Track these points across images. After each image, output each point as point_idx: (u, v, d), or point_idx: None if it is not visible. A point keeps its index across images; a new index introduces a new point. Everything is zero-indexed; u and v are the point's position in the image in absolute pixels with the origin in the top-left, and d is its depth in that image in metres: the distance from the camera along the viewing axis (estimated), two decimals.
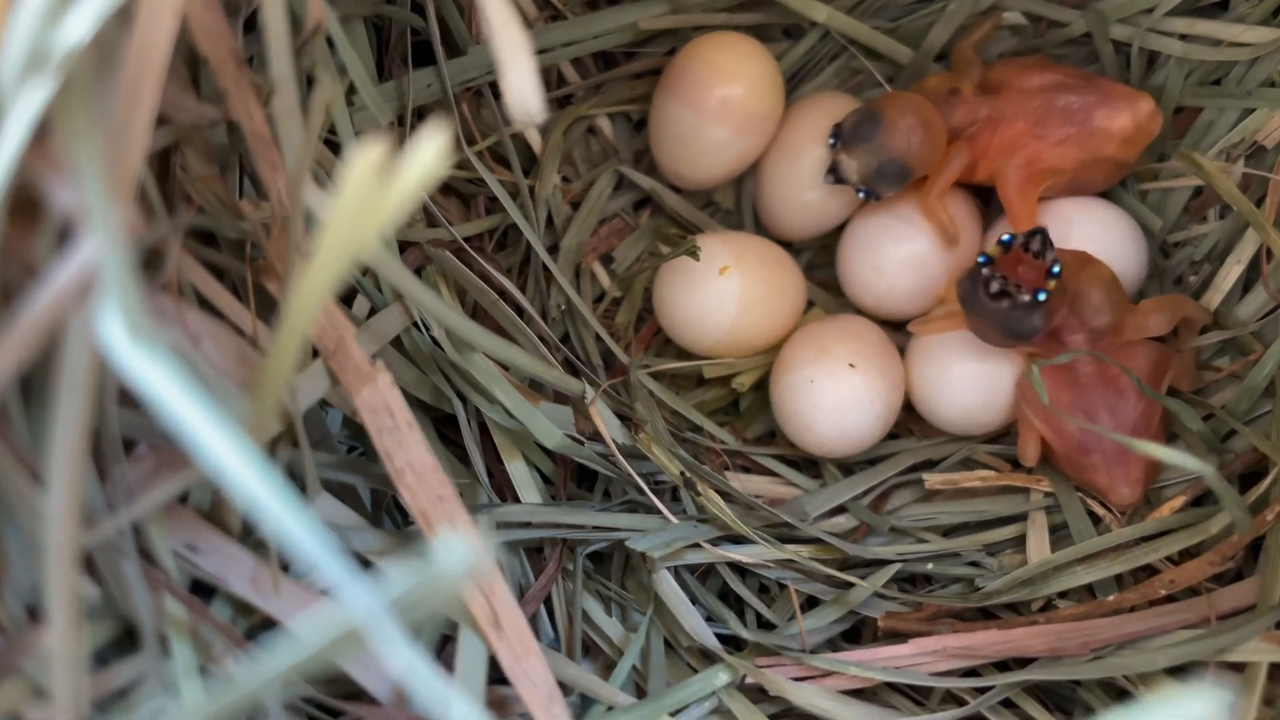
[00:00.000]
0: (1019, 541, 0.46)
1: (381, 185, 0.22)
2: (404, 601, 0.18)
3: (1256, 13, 0.47)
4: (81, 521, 0.27)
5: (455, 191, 0.49)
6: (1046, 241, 0.42)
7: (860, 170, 0.47)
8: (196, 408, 0.19)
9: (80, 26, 0.21)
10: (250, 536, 0.34)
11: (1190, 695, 0.17)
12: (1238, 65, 0.48)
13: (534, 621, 0.41)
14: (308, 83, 0.36)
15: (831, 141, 0.47)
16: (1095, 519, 0.46)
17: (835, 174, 0.47)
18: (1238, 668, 0.39)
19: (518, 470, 0.43)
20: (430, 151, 0.21)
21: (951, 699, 0.41)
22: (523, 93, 0.24)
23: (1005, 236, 0.43)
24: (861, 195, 0.48)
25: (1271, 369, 0.44)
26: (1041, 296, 0.42)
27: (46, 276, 0.22)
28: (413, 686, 0.18)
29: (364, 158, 0.21)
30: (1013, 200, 0.48)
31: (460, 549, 0.18)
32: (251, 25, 0.37)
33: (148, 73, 0.23)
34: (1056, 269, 0.42)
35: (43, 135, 0.22)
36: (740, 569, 0.44)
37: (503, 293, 0.44)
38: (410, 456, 0.35)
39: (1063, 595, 0.44)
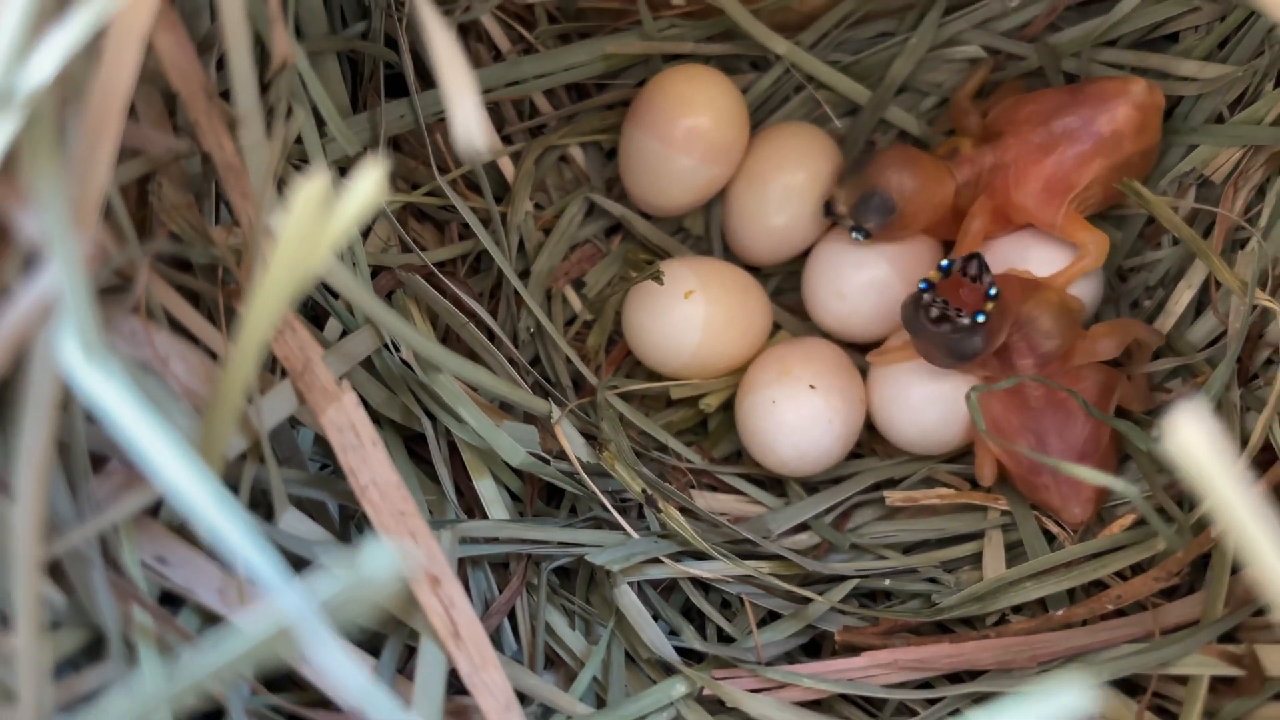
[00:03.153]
0: (976, 559, 0.48)
1: (323, 215, 0.23)
2: (334, 602, 0.20)
3: (1203, 45, 0.49)
4: (49, 532, 0.28)
5: (429, 218, 0.50)
6: (983, 265, 0.44)
7: (847, 200, 0.48)
8: (144, 421, 0.21)
9: (46, 65, 0.23)
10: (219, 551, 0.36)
11: (1058, 691, 0.18)
12: (1184, 100, 0.50)
13: (498, 634, 0.42)
14: (286, 112, 0.37)
15: (826, 212, 0.49)
16: (1050, 537, 0.47)
17: (829, 209, 0.49)
18: (1181, 681, 0.41)
19: (485, 488, 0.44)
20: (367, 185, 0.23)
21: (904, 710, 0.42)
22: (468, 127, 0.25)
23: (944, 262, 0.44)
24: (854, 235, 0.49)
25: (1218, 391, 0.45)
26: (980, 318, 0.43)
27: (12, 299, 0.23)
28: (335, 682, 0.19)
29: (307, 189, 0.23)
30: (1061, 228, 0.48)
31: (387, 554, 0.20)
32: (225, 63, 0.39)
33: (111, 108, 0.25)
34: (993, 291, 0.43)
35: (9, 166, 0.24)
36: (702, 584, 0.45)
37: (473, 316, 0.45)
38: (374, 473, 0.37)
39: (1016, 610, 0.45)
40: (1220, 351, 0.47)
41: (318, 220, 0.23)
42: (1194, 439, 0.19)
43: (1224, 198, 0.48)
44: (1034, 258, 0.49)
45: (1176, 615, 0.42)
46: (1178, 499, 0.45)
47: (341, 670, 0.19)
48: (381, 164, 0.22)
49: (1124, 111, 0.47)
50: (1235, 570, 0.41)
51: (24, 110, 0.23)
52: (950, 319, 0.43)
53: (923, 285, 0.44)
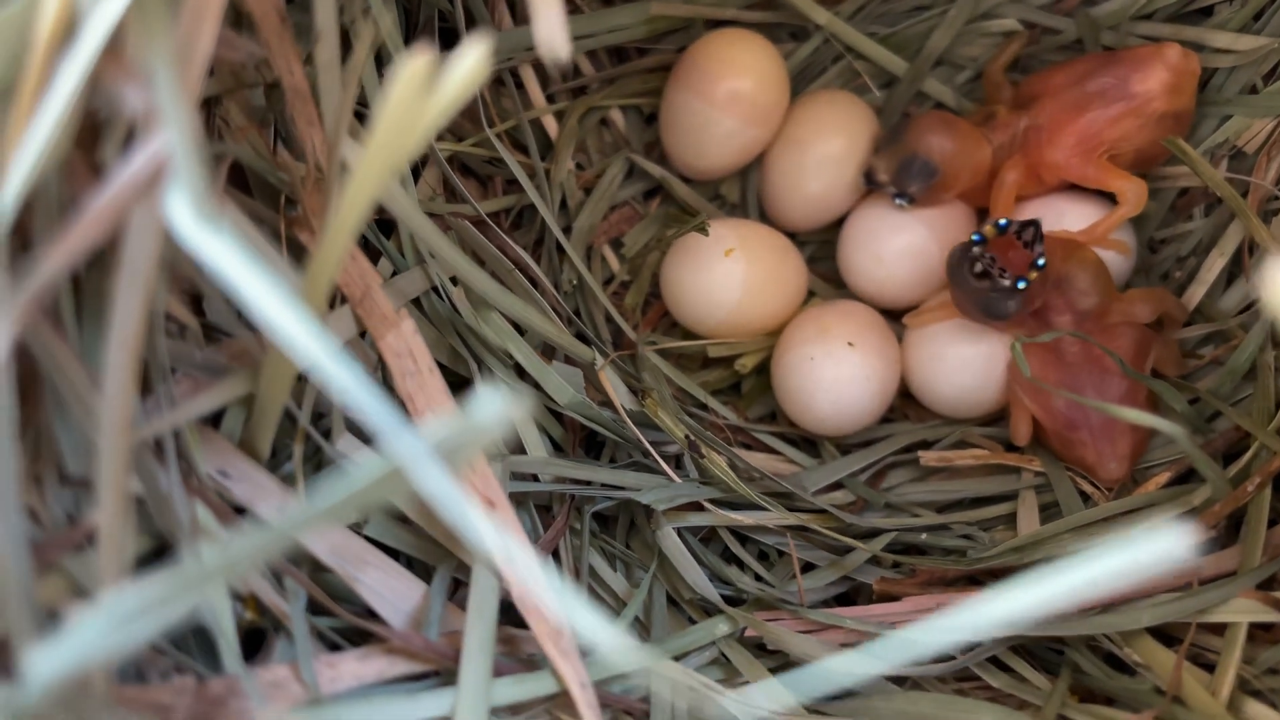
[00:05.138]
0: (1010, 519, 0.48)
1: (424, 95, 0.24)
2: (446, 445, 0.20)
3: (1237, 18, 0.50)
4: (131, 420, 0.28)
5: (474, 173, 0.51)
6: (1038, 234, 0.45)
7: (888, 168, 0.49)
8: (258, 279, 0.21)
9: None
10: (278, 468, 0.36)
11: (1155, 538, 0.19)
12: (1219, 71, 0.51)
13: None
14: (344, 45, 0.38)
15: (867, 181, 0.50)
16: (1085, 497, 0.48)
17: (869, 178, 0.50)
18: (1219, 631, 0.41)
19: (529, 434, 0.44)
20: (471, 60, 0.23)
21: (943, 656, 0.42)
22: (552, 33, 0.26)
23: (1002, 220, 0.45)
24: (897, 201, 0.50)
25: (1252, 352, 0.46)
26: (1022, 284, 0.44)
27: (113, 174, 0.24)
28: (449, 513, 0.20)
29: (409, 66, 0.23)
30: (1095, 179, 0.49)
31: (496, 400, 0.20)
32: None
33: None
34: (1041, 262, 0.44)
35: (115, 46, 0.25)
36: (740, 535, 0.46)
37: (519, 264, 0.46)
38: (430, 399, 0.37)
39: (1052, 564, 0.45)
40: (1253, 316, 0.48)
41: (418, 98, 0.24)
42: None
43: (1257, 167, 0.49)
44: (1069, 221, 0.49)
45: (1213, 567, 0.42)
46: (1213, 457, 0.45)
47: (454, 508, 0.20)
48: (482, 43, 0.23)
49: (1157, 72, 0.48)
50: (1272, 523, 0.42)
51: None
52: (991, 277, 0.44)
53: (975, 238, 0.45)
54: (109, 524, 0.26)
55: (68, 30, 0.24)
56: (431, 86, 0.24)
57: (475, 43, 0.23)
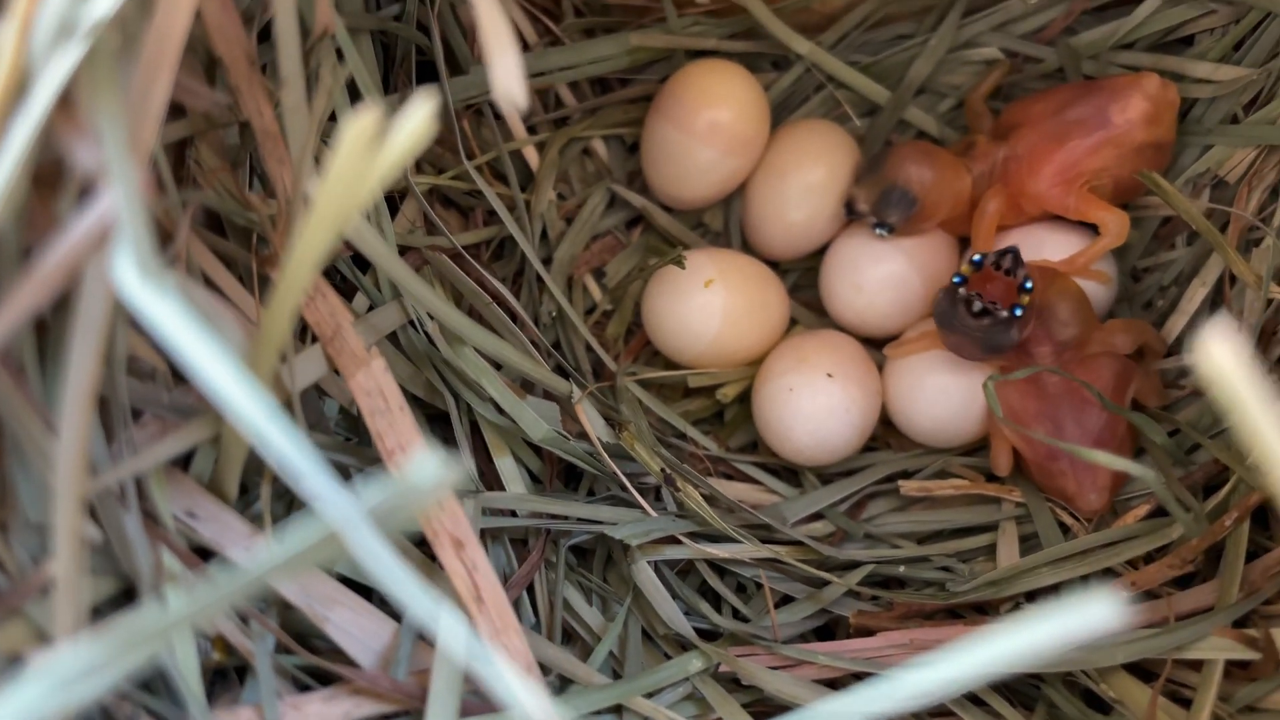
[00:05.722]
0: (990, 550, 0.48)
1: (372, 150, 0.24)
2: (381, 509, 0.20)
3: (1218, 48, 0.50)
4: (88, 467, 0.28)
5: (454, 204, 0.51)
6: (1018, 259, 0.44)
7: (868, 198, 0.49)
8: (199, 339, 0.21)
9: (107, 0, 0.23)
10: (248, 507, 0.36)
11: (1084, 601, 0.19)
12: (1200, 101, 0.51)
13: (516, 607, 0.43)
14: (316, 83, 0.38)
15: (848, 212, 0.50)
16: (1064, 528, 0.47)
17: (850, 208, 0.50)
18: (1196, 667, 0.41)
19: (506, 466, 0.44)
20: (418, 117, 0.23)
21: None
22: (509, 80, 0.26)
23: (976, 256, 0.45)
24: (877, 231, 0.50)
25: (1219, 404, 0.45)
26: (1018, 312, 0.44)
27: (69, 224, 0.24)
28: (384, 584, 0.20)
29: (357, 123, 0.24)
30: (1076, 210, 0.49)
31: (431, 465, 0.20)
32: (264, 37, 0.40)
33: (166, 49, 0.26)
34: (1029, 284, 0.44)
35: (66, 101, 0.25)
36: (718, 567, 0.46)
37: (497, 298, 0.46)
38: (401, 438, 0.37)
39: (1030, 597, 0.45)
40: None
41: (366, 154, 0.24)
42: (1223, 356, 0.19)
43: (1238, 197, 0.49)
44: (1049, 250, 0.49)
45: (1190, 602, 0.42)
46: (1191, 489, 0.45)
47: (387, 573, 0.20)
48: (429, 100, 0.23)
49: (1136, 102, 0.48)
50: (1250, 557, 0.42)
51: (86, 41, 0.23)
52: (991, 313, 0.44)
53: (957, 279, 0.45)
54: (65, 572, 0.26)
55: (20, 85, 0.24)
56: (381, 139, 0.24)
57: (422, 99, 0.23)
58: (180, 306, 0.22)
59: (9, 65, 0.24)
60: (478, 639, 0.36)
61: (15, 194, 0.24)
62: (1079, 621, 0.19)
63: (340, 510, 0.20)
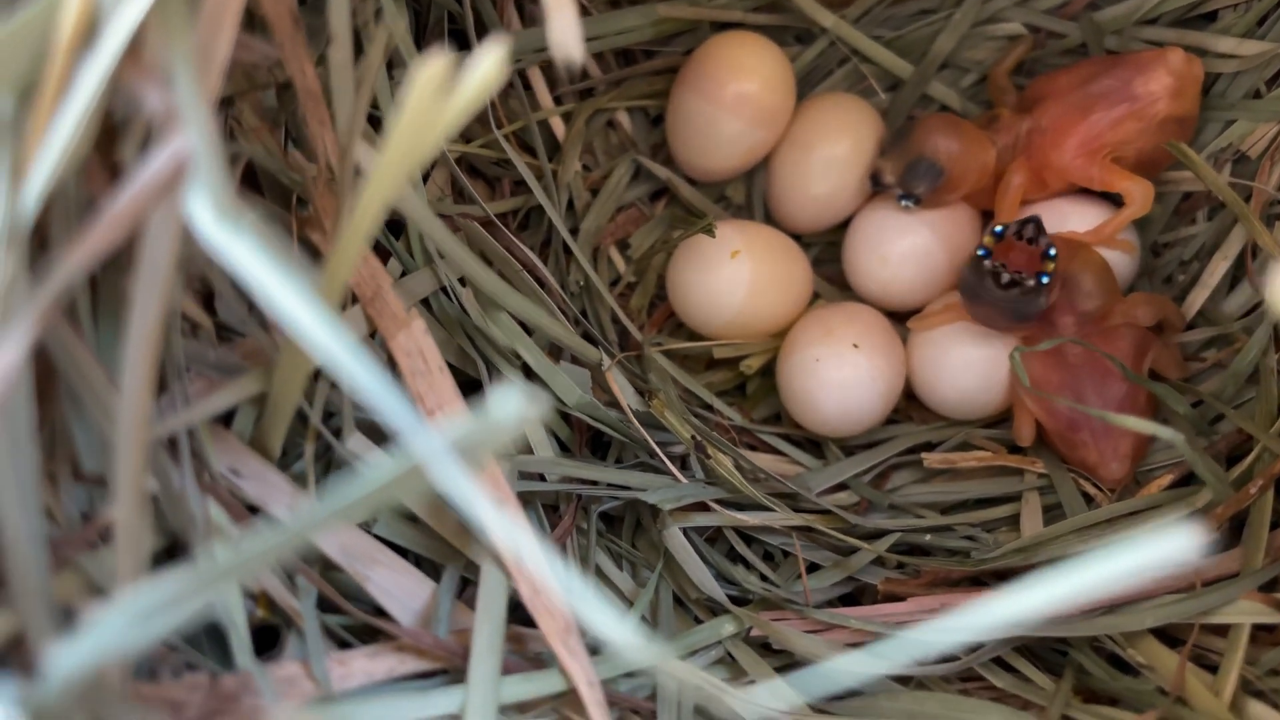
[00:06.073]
0: (1013, 520, 0.48)
1: (442, 96, 0.24)
2: (463, 443, 0.20)
3: (1241, 23, 0.50)
4: (148, 418, 0.29)
5: (481, 174, 0.51)
6: (1040, 228, 0.45)
7: (894, 170, 0.50)
8: (277, 276, 0.22)
9: None
10: (290, 466, 0.36)
11: (1163, 538, 0.19)
12: (1223, 76, 0.51)
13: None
14: (356, 48, 0.38)
15: (874, 184, 0.50)
16: (1087, 499, 0.48)
17: (876, 180, 0.50)
18: (1221, 632, 0.41)
19: (536, 434, 0.45)
20: (489, 63, 0.23)
21: (946, 657, 0.43)
22: (566, 35, 0.26)
23: (998, 228, 0.46)
24: (902, 203, 0.50)
25: (1255, 356, 0.46)
26: (1045, 279, 0.44)
27: (133, 174, 0.24)
28: (466, 511, 0.20)
29: (427, 69, 0.24)
30: (1100, 180, 0.49)
31: (514, 398, 0.20)
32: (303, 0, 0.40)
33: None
34: (1052, 251, 0.44)
35: (134, 49, 0.25)
36: (745, 536, 0.46)
37: (527, 265, 0.46)
38: (440, 398, 0.38)
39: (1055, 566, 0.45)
40: (1255, 320, 0.48)
41: (436, 100, 0.24)
42: None
43: (1260, 172, 0.49)
44: (1072, 223, 0.50)
45: (1216, 568, 0.42)
46: (1215, 459, 0.45)
47: (473, 503, 0.20)
48: (500, 46, 0.23)
49: (1160, 75, 0.48)
50: (1274, 525, 0.42)
51: None
52: (1019, 282, 0.44)
53: (981, 252, 0.45)
54: (126, 521, 0.26)
55: (88, 32, 0.24)
56: (448, 89, 0.24)
57: (492, 46, 0.23)
58: (256, 245, 0.22)
59: (78, 10, 0.24)
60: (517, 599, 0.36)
61: (83, 142, 0.24)
62: (1154, 558, 0.19)
63: (425, 443, 0.20)
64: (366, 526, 0.37)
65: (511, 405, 0.20)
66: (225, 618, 0.30)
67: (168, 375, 0.30)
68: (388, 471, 0.20)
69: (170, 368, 0.30)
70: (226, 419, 0.35)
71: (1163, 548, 0.20)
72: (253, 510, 0.34)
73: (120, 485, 0.26)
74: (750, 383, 0.53)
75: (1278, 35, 0.49)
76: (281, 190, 0.38)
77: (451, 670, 0.35)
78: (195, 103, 0.23)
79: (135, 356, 0.25)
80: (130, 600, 0.23)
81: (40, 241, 0.27)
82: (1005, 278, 0.45)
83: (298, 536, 0.21)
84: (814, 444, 0.52)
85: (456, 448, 0.20)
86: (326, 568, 0.36)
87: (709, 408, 0.51)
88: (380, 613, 0.36)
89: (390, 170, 0.25)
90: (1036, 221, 0.45)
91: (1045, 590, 0.20)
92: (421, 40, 0.47)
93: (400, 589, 0.37)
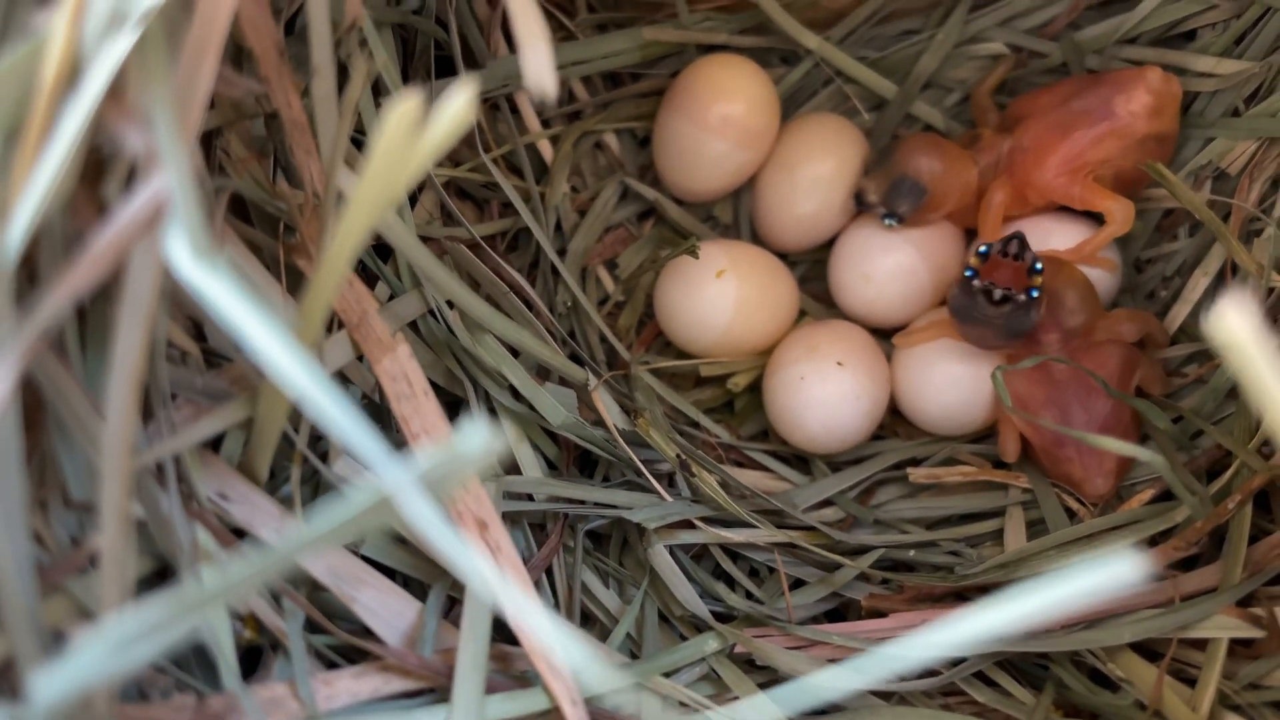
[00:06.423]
0: (997, 535, 0.49)
1: (413, 135, 0.25)
2: (429, 477, 0.21)
3: (1220, 42, 0.51)
4: (132, 445, 0.29)
5: (470, 196, 0.52)
6: (1024, 244, 0.45)
7: (878, 189, 0.50)
8: (251, 313, 0.22)
9: None
10: (276, 490, 0.37)
11: (1105, 564, 0.20)
12: (1202, 95, 0.52)
13: (536, 590, 0.43)
14: (342, 76, 0.39)
15: (857, 203, 0.51)
16: (1070, 514, 0.48)
17: (859, 199, 0.51)
18: (1200, 646, 0.42)
19: (523, 453, 0.45)
20: (459, 102, 0.24)
21: (928, 672, 0.43)
22: (539, 68, 0.27)
23: (982, 247, 0.46)
24: (886, 221, 0.51)
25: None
26: (1035, 295, 0.45)
27: (115, 211, 0.25)
28: (436, 546, 0.21)
29: (399, 109, 0.24)
30: (1082, 199, 0.50)
31: (479, 433, 0.21)
32: (290, 29, 0.41)
33: (210, 37, 0.27)
34: (1039, 266, 0.45)
35: (115, 89, 0.26)
36: (730, 552, 0.47)
37: (514, 288, 0.47)
38: (426, 422, 0.38)
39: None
40: None
41: (408, 139, 0.25)
42: (1238, 326, 0.20)
43: (1239, 189, 0.50)
44: (1055, 241, 0.50)
45: (1195, 583, 0.43)
46: (1195, 474, 0.46)
47: (438, 535, 0.21)
48: (470, 86, 0.24)
49: (1139, 94, 0.49)
50: (1251, 540, 0.42)
51: (137, 29, 0.24)
52: (1011, 298, 0.45)
53: (969, 272, 0.45)
54: (111, 547, 0.27)
55: (71, 74, 0.25)
56: (421, 125, 0.25)
57: (464, 84, 0.24)
58: (233, 283, 0.23)
59: (61, 54, 0.25)
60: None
61: (67, 180, 0.25)
62: (1097, 585, 0.20)
63: (392, 476, 0.21)
64: (354, 548, 0.38)
65: (479, 438, 0.21)
66: (211, 640, 0.31)
67: (154, 403, 0.31)
68: (360, 503, 0.21)
69: (156, 395, 0.31)
70: (215, 444, 0.36)
71: (1109, 573, 0.20)
72: (240, 533, 0.35)
73: (105, 512, 0.27)
74: (738, 400, 0.54)
75: (1255, 54, 0.50)
76: (269, 218, 0.39)
77: (437, 689, 0.36)
78: (174, 144, 0.24)
79: (119, 388, 0.26)
80: (115, 626, 0.23)
81: (29, 275, 0.28)
82: (997, 294, 0.45)
83: (278, 562, 0.21)
84: (801, 460, 0.52)
85: (426, 479, 0.21)
86: (314, 588, 0.37)
87: (696, 425, 0.52)
88: (367, 633, 0.37)
89: (365, 206, 0.26)
90: (1020, 238, 0.46)
91: (1018, 607, 0.21)
92: (408, 67, 0.48)
93: (386, 609, 0.37)
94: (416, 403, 0.38)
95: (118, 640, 0.24)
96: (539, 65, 0.27)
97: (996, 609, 0.21)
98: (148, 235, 0.25)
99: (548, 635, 0.22)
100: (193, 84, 0.27)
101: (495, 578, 0.22)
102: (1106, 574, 0.20)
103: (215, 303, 0.23)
